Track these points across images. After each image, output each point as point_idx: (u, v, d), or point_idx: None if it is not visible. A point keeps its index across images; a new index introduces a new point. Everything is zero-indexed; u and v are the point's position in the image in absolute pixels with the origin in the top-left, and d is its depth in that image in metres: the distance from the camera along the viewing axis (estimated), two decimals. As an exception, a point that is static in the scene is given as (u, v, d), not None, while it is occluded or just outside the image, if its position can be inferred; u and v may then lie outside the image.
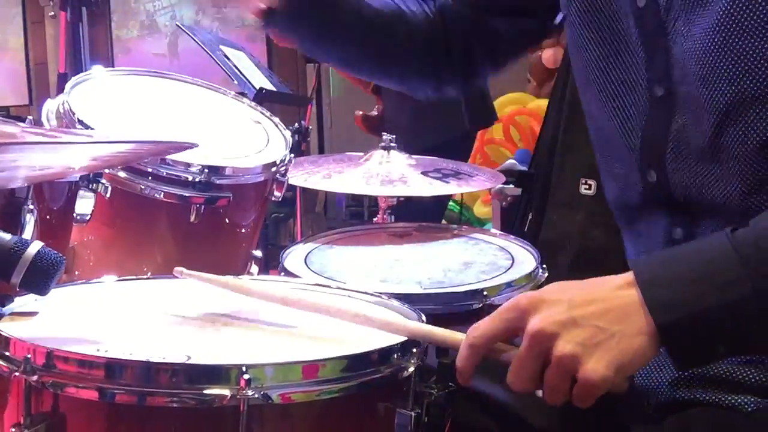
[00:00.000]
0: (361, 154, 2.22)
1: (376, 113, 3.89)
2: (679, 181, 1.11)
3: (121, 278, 1.38)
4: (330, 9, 1.45)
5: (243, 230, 1.84)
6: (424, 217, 2.26)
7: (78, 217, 1.63)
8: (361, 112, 3.95)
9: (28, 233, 1.32)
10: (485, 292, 1.61)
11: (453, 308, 1.60)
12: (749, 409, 1.05)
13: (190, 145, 1.30)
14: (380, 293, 1.32)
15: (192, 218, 1.67)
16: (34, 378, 0.97)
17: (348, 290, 1.36)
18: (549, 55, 5.11)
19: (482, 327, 0.98)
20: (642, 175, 1.16)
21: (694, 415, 1.08)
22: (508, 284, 1.67)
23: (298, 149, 3.14)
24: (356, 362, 1.02)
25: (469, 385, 1.00)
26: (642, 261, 1.00)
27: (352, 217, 5.67)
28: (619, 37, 1.17)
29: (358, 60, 1.54)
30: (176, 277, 1.28)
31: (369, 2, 1.46)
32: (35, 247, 1.09)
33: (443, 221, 4.48)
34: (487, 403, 1.26)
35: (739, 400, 1.06)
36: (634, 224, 1.22)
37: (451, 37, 1.48)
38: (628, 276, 0.96)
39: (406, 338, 1.08)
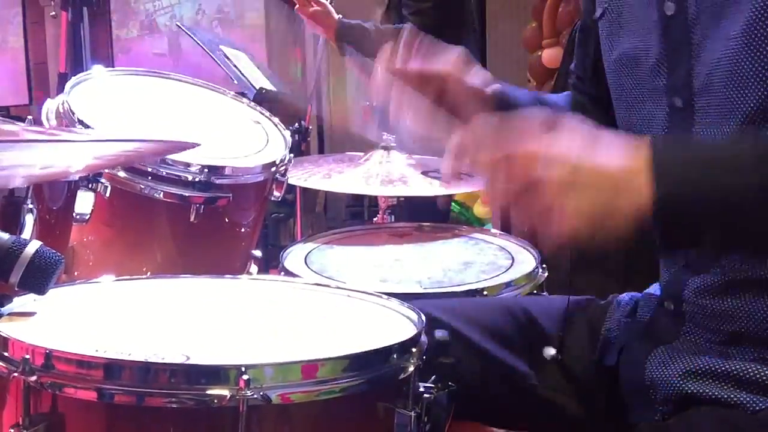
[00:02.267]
0: (361, 154, 2.22)
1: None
2: None
3: (120, 278, 1.37)
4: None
5: (243, 230, 1.84)
6: (425, 217, 2.25)
7: (77, 217, 1.62)
8: (368, 103, 3.94)
9: (27, 233, 1.32)
10: (485, 292, 1.61)
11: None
12: (756, 408, 1.05)
13: (192, 145, 1.30)
14: (380, 293, 1.32)
15: (192, 218, 1.67)
16: (33, 378, 0.97)
17: (348, 290, 1.36)
18: (549, 55, 5.11)
19: (473, 130, 0.99)
20: None
21: (699, 415, 1.08)
22: (508, 284, 1.67)
23: (298, 149, 3.14)
24: (356, 362, 1.01)
25: (450, 179, 1.00)
26: (660, 137, 1.01)
27: (352, 217, 5.66)
28: (640, 47, 1.17)
29: None
30: (175, 277, 1.28)
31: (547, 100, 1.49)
32: (34, 246, 1.09)
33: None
34: (497, 370, 1.26)
35: (747, 399, 1.06)
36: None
37: None
38: (643, 157, 0.95)
39: (405, 338, 1.07)
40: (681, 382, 1.12)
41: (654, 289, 1.30)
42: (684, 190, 0.93)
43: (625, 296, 1.34)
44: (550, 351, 1.24)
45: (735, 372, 1.08)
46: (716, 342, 1.12)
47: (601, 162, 0.94)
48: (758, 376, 1.07)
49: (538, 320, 1.31)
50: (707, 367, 1.10)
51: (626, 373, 1.21)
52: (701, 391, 1.10)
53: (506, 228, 2.80)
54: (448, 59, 1.33)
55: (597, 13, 1.27)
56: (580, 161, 0.93)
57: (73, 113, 1.64)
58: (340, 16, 3.32)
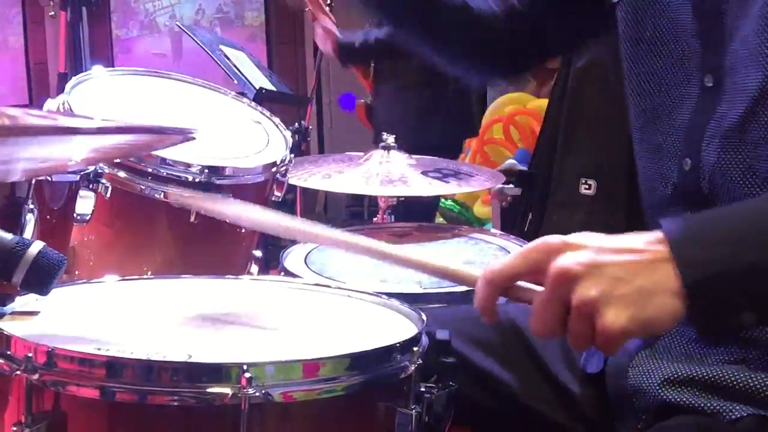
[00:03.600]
0: (361, 154, 2.23)
1: (370, 104, 3.91)
2: (707, 167, 1.11)
3: (121, 278, 1.38)
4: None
5: (243, 230, 1.84)
6: (417, 217, 2.26)
7: (78, 217, 1.63)
8: (363, 101, 3.95)
9: (28, 233, 1.32)
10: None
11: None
12: (734, 417, 1.05)
13: (189, 131, 1.29)
14: (380, 293, 1.32)
15: (192, 218, 1.67)
16: (35, 377, 0.97)
17: (348, 290, 1.36)
18: (549, 55, 5.09)
19: (502, 264, 0.95)
20: (678, 163, 1.15)
21: (678, 424, 1.08)
22: (508, 284, 1.67)
23: (298, 149, 3.15)
24: (357, 361, 1.02)
25: (495, 323, 0.97)
26: (673, 220, 0.96)
27: (352, 217, 5.66)
28: (673, 26, 1.16)
29: (423, 38, 1.51)
30: (177, 277, 1.28)
31: None
32: (37, 247, 1.10)
33: (443, 221, 4.49)
34: (490, 383, 1.26)
35: (725, 407, 1.06)
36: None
37: (514, 36, 1.47)
38: (659, 233, 0.93)
39: (406, 338, 1.07)
40: (660, 390, 1.11)
41: None
42: (709, 268, 0.89)
43: None
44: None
45: (713, 378, 1.07)
46: (697, 341, 1.12)
47: (630, 257, 0.91)
48: (736, 381, 1.06)
49: (522, 328, 1.30)
50: (686, 374, 1.09)
51: (610, 381, 1.20)
52: (680, 399, 1.09)
53: (506, 227, 2.81)
54: None
55: None
56: (612, 259, 0.91)
57: (74, 113, 1.65)
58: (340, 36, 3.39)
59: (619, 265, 0.90)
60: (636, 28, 1.22)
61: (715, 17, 1.11)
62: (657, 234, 0.93)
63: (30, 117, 1.11)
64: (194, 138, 1.28)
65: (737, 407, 1.05)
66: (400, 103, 3.61)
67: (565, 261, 0.91)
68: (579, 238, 0.94)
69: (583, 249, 0.92)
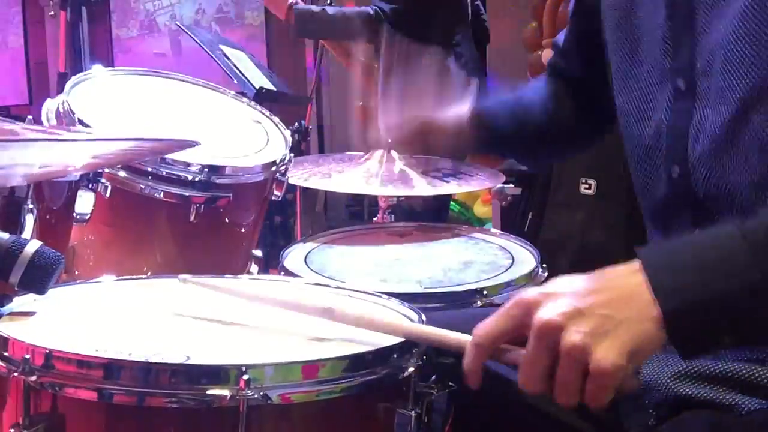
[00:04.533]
0: (361, 154, 2.22)
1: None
2: (698, 174, 1.11)
3: (120, 278, 1.37)
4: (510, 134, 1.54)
5: (243, 230, 1.84)
6: (425, 217, 2.25)
7: (78, 217, 1.63)
8: (361, 103, 3.91)
9: (27, 233, 1.31)
10: (485, 292, 1.61)
11: (453, 308, 1.60)
12: (750, 409, 1.05)
13: (192, 143, 1.30)
14: (380, 293, 1.32)
15: (192, 218, 1.67)
16: (33, 378, 0.97)
17: (348, 290, 1.36)
18: (549, 55, 5.11)
19: (487, 326, 0.96)
20: (666, 171, 1.16)
21: (691, 419, 1.08)
22: (508, 284, 1.67)
23: (298, 149, 3.14)
24: (356, 362, 1.01)
25: (479, 387, 0.97)
26: (648, 248, 0.98)
27: (352, 217, 5.66)
28: (646, 29, 1.17)
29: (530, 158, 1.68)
30: (176, 277, 1.28)
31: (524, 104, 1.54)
32: (33, 246, 1.09)
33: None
34: (496, 383, 1.25)
35: (740, 400, 1.06)
36: (660, 225, 1.21)
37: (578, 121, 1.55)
38: (634, 264, 0.94)
39: (402, 338, 1.07)
40: (674, 384, 1.11)
41: None
42: (686, 296, 0.91)
43: None
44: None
45: (728, 373, 1.08)
46: None
47: (610, 293, 0.93)
48: (751, 376, 1.06)
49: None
50: (700, 368, 1.09)
51: None
52: (694, 393, 1.09)
53: (506, 227, 2.81)
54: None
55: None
56: (592, 299, 0.92)
57: (73, 113, 1.64)
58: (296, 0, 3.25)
59: (600, 305, 0.92)
60: (617, 31, 1.23)
61: (685, 21, 1.12)
62: (632, 265, 0.95)
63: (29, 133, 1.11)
64: (198, 144, 1.28)
65: (752, 401, 1.05)
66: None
67: (547, 313, 0.92)
68: (555, 286, 0.95)
69: (561, 297, 0.93)
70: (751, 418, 1.05)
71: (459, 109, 1.48)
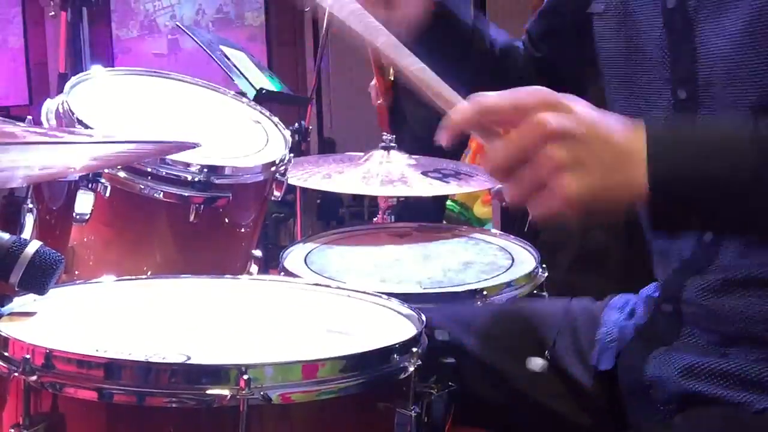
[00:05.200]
0: (361, 154, 2.22)
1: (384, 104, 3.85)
2: None
3: (120, 278, 1.37)
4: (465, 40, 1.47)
5: (242, 230, 1.83)
6: (423, 217, 2.25)
7: (77, 217, 1.62)
8: (381, 101, 3.89)
9: (27, 233, 1.31)
10: (485, 292, 1.61)
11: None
12: (761, 407, 1.05)
13: (192, 145, 1.30)
14: (380, 293, 1.32)
15: (191, 218, 1.66)
16: (33, 378, 0.97)
17: (348, 290, 1.36)
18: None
19: (491, 95, 0.95)
20: None
21: (705, 413, 1.08)
22: (508, 284, 1.67)
23: (298, 149, 3.14)
24: (356, 362, 1.01)
25: (449, 144, 0.96)
26: (657, 122, 1.00)
27: (352, 217, 5.66)
28: (644, 39, 1.17)
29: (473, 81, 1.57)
30: (176, 277, 1.28)
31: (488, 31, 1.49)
32: (34, 246, 1.09)
33: (443, 221, 4.48)
34: (495, 377, 1.26)
35: (750, 398, 1.06)
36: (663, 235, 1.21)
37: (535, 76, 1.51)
38: (640, 137, 0.94)
39: (405, 338, 1.07)
40: (683, 380, 1.12)
41: (650, 289, 1.29)
42: (676, 170, 0.92)
43: (618, 298, 1.34)
44: (538, 362, 1.23)
45: (736, 371, 1.08)
46: (715, 343, 1.12)
47: (609, 137, 0.93)
48: (760, 375, 1.06)
49: (534, 325, 1.30)
50: (708, 365, 1.10)
51: (625, 375, 1.21)
52: (703, 389, 1.10)
53: (506, 227, 2.81)
54: None
55: (595, 8, 1.26)
56: (591, 133, 0.92)
57: (73, 113, 1.64)
58: None
59: (595, 139, 0.91)
60: (611, 40, 1.23)
61: (683, 31, 1.12)
62: (640, 125, 0.95)
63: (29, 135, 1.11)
64: (198, 146, 1.28)
65: (763, 398, 1.05)
66: (424, 103, 3.55)
67: (552, 117, 0.91)
68: (575, 103, 0.94)
69: (572, 115, 0.92)
70: (764, 416, 1.05)
71: None
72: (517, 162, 0.91)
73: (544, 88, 0.94)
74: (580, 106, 0.94)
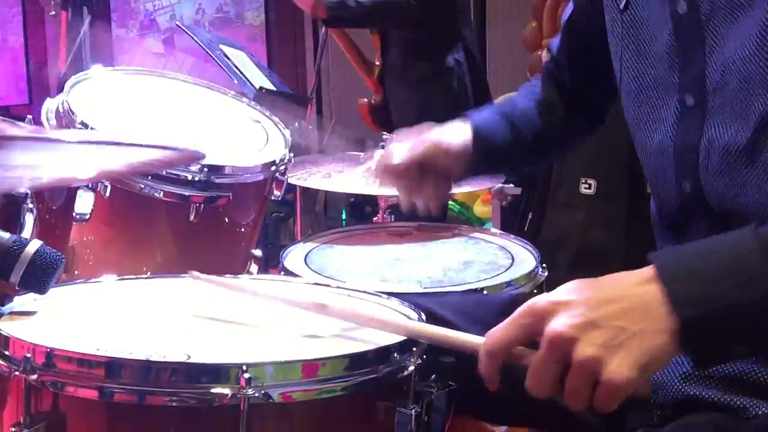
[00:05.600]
0: (361, 153, 2.22)
1: (374, 103, 3.86)
2: (713, 191, 1.11)
3: (120, 277, 1.37)
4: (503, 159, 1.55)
5: (243, 229, 1.84)
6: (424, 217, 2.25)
7: (77, 217, 1.62)
8: (365, 100, 3.91)
9: (27, 232, 1.32)
10: (485, 292, 1.61)
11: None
12: (759, 413, 1.05)
13: (200, 155, 1.30)
14: (380, 292, 1.32)
15: (192, 217, 1.67)
16: (34, 377, 0.97)
17: (348, 290, 1.36)
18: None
19: (498, 333, 0.96)
20: (678, 187, 1.16)
21: (700, 418, 1.08)
22: (508, 283, 1.67)
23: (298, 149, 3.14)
24: (356, 361, 1.01)
25: (496, 387, 0.96)
26: (662, 254, 0.97)
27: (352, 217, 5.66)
28: (653, 43, 1.17)
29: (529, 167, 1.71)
30: (176, 277, 1.28)
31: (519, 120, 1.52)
32: (34, 245, 1.09)
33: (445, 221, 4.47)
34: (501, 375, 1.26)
35: (747, 403, 1.06)
36: (677, 233, 1.21)
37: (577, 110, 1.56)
38: (648, 271, 0.93)
39: (405, 337, 1.07)
40: (683, 385, 1.11)
41: None
42: (706, 314, 0.90)
43: None
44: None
45: (737, 375, 1.07)
46: None
47: (622, 304, 0.92)
48: (759, 379, 1.06)
49: None
50: (710, 370, 1.09)
51: None
52: (702, 394, 1.09)
53: (506, 227, 2.81)
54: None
55: (621, 4, 1.26)
56: (604, 311, 0.91)
57: (73, 113, 1.64)
58: None
59: (613, 316, 0.91)
60: (623, 44, 1.23)
61: (693, 37, 1.11)
62: (646, 272, 0.93)
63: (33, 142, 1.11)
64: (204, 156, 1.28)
65: (760, 404, 1.05)
66: (413, 102, 3.56)
67: (559, 324, 0.91)
68: (566, 294, 0.94)
69: (573, 307, 0.92)
70: (757, 422, 1.04)
71: (460, 130, 1.48)
72: (558, 378, 0.91)
73: (533, 300, 0.94)
74: (579, 291, 0.94)
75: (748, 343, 0.92)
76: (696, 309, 0.90)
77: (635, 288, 0.93)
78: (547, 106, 1.53)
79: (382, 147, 2.19)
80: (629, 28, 1.22)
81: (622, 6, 1.23)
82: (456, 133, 1.47)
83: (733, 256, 0.93)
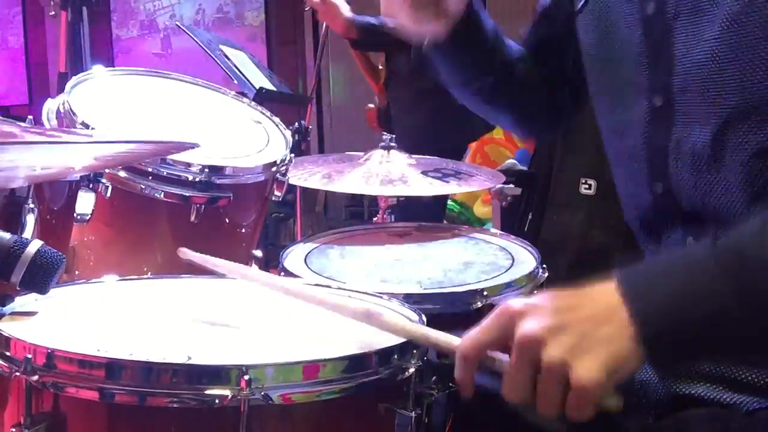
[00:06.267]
0: (361, 154, 2.22)
1: (379, 107, 3.87)
2: (684, 192, 1.11)
3: (121, 278, 1.37)
4: (482, 46, 1.45)
5: (243, 230, 1.84)
6: (424, 217, 2.25)
7: (78, 217, 1.62)
8: (372, 106, 3.91)
9: (28, 233, 1.32)
10: (485, 292, 1.61)
11: (453, 308, 1.60)
12: (750, 408, 1.05)
13: (192, 145, 1.30)
14: (380, 293, 1.32)
15: (192, 218, 1.67)
16: (35, 378, 0.97)
17: (348, 290, 1.36)
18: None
19: (472, 337, 0.97)
20: (650, 188, 1.16)
21: (692, 416, 1.08)
22: (508, 284, 1.67)
23: (298, 149, 3.14)
24: (357, 363, 1.02)
25: (471, 397, 0.97)
26: (625, 272, 0.98)
27: (352, 217, 5.66)
28: (623, 45, 1.17)
29: (484, 93, 1.53)
30: (177, 277, 1.28)
31: (505, 38, 1.47)
32: (35, 246, 1.10)
33: (444, 221, 4.48)
34: (493, 380, 1.25)
35: (740, 399, 1.06)
36: (653, 235, 1.21)
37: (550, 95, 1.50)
38: (612, 283, 0.95)
39: (406, 339, 1.07)
40: (673, 383, 1.12)
41: None
42: (665, 329, 0.91)
43: None
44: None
45: (727, 373, 1.08)
46: None
47: (589, 309, 0.93)
48: (750, 377, 1.07)
49: None
50: (699, 368, 1.10)
51: None
52: (694, 392, 1.10)
53: (506, 227, 2.81)
54: None
55: (578, 5, 1.26)
56: (570, 315, 0.92)
57: (74, 113, 1.64)
58: (351, 14, 3.31)
59: (579, 321, 0.92)
60: (590, 43, 1.23)
61: (662, 39, 1.11)
62: (611, 284, 0.94)
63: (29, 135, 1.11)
64: (198, 146, 1.28)
65: (753, 400, 1.05)
66: (420, 110, 3.56)
67: (528, 326, 0.92)
68: (538, 299, 0.95)
69: (543, 310, 0.93)
70: (755, 417, 1.05)
71: None
72: (530, 382, 0.92)
73: (508, 302, 0.95)
74: (550, 297, 0.95)
75: (708, 357, 0.95)
76: (655, 325, 0.91)
77: (600, 296, 0.94)
78: (527, 63, 1.48)
79: (382, 147, 2.19)
80: (600, 28, 1.22)
81: (588, 7, 1.24)
82: None
83: (689, 271, 0.94)
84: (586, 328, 0.91)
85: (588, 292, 0.96)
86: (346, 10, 3.34)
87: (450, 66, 1.45)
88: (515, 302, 0.96)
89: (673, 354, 0.93)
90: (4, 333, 1.03)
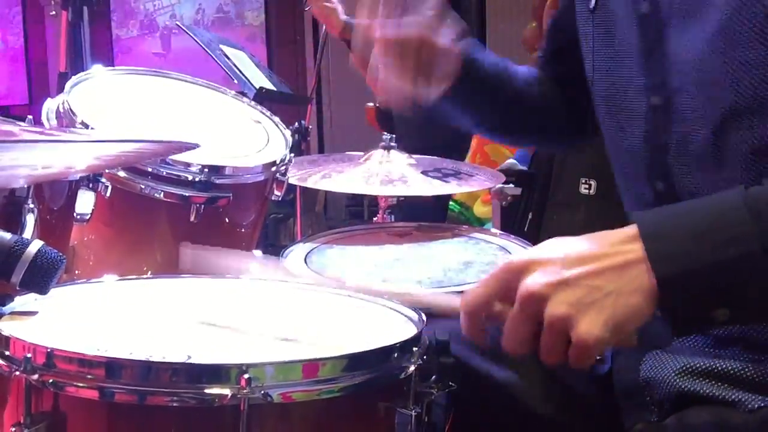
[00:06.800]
0: (361, 153, 2.23)
1: (380, 106, 3.86)
2: (684, 190, 1.11)
3: (121, 278, 1.37)
4: (486, 90, 1.44)
5: (243, 230, 1.84)
6: (425, 217, 2.26)
7: (78, 217, 1.63)
8: (372, 104, 3.90)
9: (28, 233, 1.31)
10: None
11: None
12: (755, 407, 1.05)
13: (192, 146, 1.30)
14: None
15: (192, 218, 1.67)
16: (35, 377, 0.97)
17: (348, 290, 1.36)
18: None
19: (475, 291, 0.96)
20: (650, 186, 1.16)
21: (697, 413, 1.08)
22: (508, 284, 1.66)
23: (298, 149, 3.15)
24: (357, 362, 1.01)
25: (485, 344, 0.98)
26: (646, 213, 0.95)
27: (352, 217, 5.66)
28: (620, 44, 1.18)
29: (500, 128, 1.55)
30: (177, 277, 1.28)
31: (510, 69, 1.46)
32: (35, 246, 1.09)
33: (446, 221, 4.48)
34: (492, 386, 1.25)
35: (744, 397, 1.06)
36: None
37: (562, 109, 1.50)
38: (631, 229, 0.93)
39: (405, 338, 1.07)
40: (677, 379, 1.12)
41: None
42: (684, 271, 0.89)
43: None
44: None
45: (731, 370, 1.08)
46: (709, 345, 1.12)
47: (598, 262, 0.92)
48: (754, 375, 1.07)
49: None
50: (703, 365, 1.10)
51: (619, 377, 1.21)
52: (698, 388, 1.10)
53: (506, 227, 2.81)
54: (421, 18, 1.28)
55: (591, 4, 1.26)
56: (580, 271, 0.91)
57: (74, 113, 1.65)
58: (347, 17, 3.31)
59: (587, 276, 0.91)
60: (596, 48, 1.24)
61: (656, 39, 1.12)
62: (628, 231, 0.93)
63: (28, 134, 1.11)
64: (198, 146, 1.28)
65: (757, 398, 1.05)
66: (419, 110, 3.55)
67: (532, 281, 0.91)
68: (545, 251, 0.94)
69: (550, 265, 0.92)
70: (758, 415, 1.05)
71: (453, 31, 1.32)
72: (532, 335, 0.92)
73: (513, 256, 0.97)
74: (558, 248, 0.94)
75: (727, 305, 0.90)
76: (673, 266, 0.89)
77: (616, 247, 0.92)
78: (540, 81, 1.48)
79: (382, 147, 2.19)
80: (599, 28, 1.22)
81: (591, 6, 1.24)
82: (443, 33, 1.32)
83: (715, 214, 0.92)
84: (593, 283, 0.90)
85: (603, 240, 0.93)
86: (341, 13, 3.34)
87: (457, 115, 1.47)
88: (520, 255, 0.95)
89: (689, 301, 0.90)
90: (3, 332, 1.03)
